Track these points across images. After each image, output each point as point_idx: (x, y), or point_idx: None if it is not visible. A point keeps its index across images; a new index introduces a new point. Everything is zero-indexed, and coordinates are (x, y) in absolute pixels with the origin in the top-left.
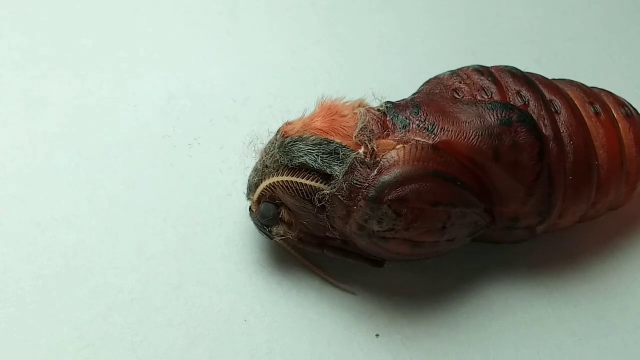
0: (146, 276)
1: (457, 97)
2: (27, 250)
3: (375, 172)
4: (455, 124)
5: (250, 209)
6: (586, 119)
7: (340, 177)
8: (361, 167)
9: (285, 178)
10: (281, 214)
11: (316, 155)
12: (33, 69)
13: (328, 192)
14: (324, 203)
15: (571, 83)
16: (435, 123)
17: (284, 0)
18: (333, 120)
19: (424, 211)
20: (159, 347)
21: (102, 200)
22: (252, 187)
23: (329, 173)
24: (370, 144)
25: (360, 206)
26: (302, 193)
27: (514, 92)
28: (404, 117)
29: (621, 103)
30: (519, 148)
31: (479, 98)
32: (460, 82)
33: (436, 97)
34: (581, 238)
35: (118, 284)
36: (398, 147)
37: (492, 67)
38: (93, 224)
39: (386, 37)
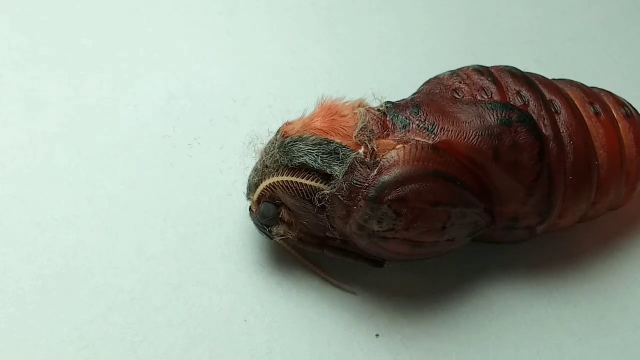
0: (146, 276)
1: (457, 97)
2: (27, 250)
3: (375, 172)
4: (455, 124)
5: (250, 209)
6: (586, 119)
7: (340, 177)
8: (361, 167)
9: (285, 178)
10: (281, 214)
11: (316, 155)
12: (33, 69)
13: (328, 192)
14: (324, 203)
15: (571, 83)
16: (435, 123)
17: (284, 0)
18: (333, 120)
19: (424, 211)
20: (159, 347)
21: (102, 200)
22: (252, 187)
23: (329, 173)
24: (370, 144)
25: (360, 206)
26: (302, 193)
27: (514, 92)
28: (404, 117)
29: (621, 103)
30: (519, 148)
31: (479, 98)
32: (460, 82)
33: (436, 97)
34: (581, 238)
35: (118, 284)
36: (398, 147)
37: (492, 67)
38: (93, 224)
39: (386, 37)
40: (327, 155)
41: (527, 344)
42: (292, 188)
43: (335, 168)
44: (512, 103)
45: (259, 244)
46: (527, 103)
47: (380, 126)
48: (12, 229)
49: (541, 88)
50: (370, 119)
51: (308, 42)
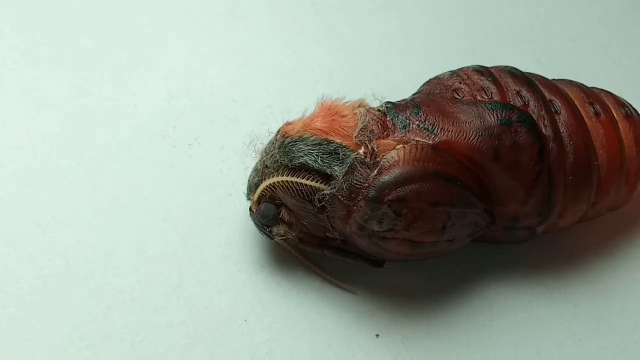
0: (146, 276)
1: (457, 97)
2: (27, 250)
3: (375, 172)
4: (455, 124)
5: (250, 209)
6: (586, 119)
7: (340, 177)
8: (361, 167)
9: (285, 178)
10: (281, 213)
11: (316, 155)
12: (33, 69)
13: (328, 192)
14: (323, 203)
15: (571, 83)
16: (435, 123)
17: (284, 0)
18: (333, 120)
19: (423, 211)
20: (159, 347)
21: (102, 200)
22: (252, 187)
23: (329, 173)
24: (370, 144)
25: (360, 206)
26: (302, 193)
27: (514, 92)
28: (403, 117)
29: (621, 103)
30: (519, 148)
31: (478, 98)
32: (460, 82)
33: (436, 97)
34: (581, 238)
35: (118, 284)
36: (398, 147)
37: (492, 67)
38: (93, 224)
39: (386, 37)
40: (327, 155)
41: (527, 344)
42: (292, 188)
43: (335, 168)
44: (512, 103)
45: (259, 244)
46: (527, 103)
47: (380, 126)
48: (12, 229)
49: (541, 88)
50: (370, 119)
51: (308, 42)
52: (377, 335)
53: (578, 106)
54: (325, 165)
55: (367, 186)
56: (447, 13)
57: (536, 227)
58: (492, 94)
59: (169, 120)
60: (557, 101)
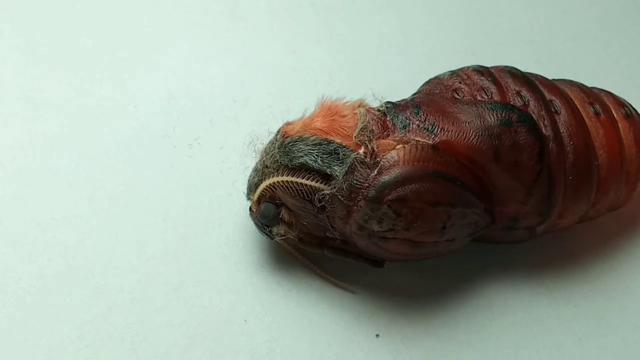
0: (146, 276)
1: (457, 97)
2: (27, 250)
3: (375, 172)
4: (455, 124)
5: (250, 208)
6: (586, 119)
7: (340, 177)
8: (361, 167)
9: (285, 178)
10: (281, 213)
11: (316, 155)
12: (33, 69)
13: (328, 192)
14: (323, 203)
15: (571, 83)
16: (435, 123)
17: (284, 0)
18: (333, 120)
19: (423, 211)
20: (159, 347)
21: (102, 200)
22: (252, 187)
23: (329, 173)
24: (370, 144)
25: (360, 206)
26: (302, 193)
27: (514, 92)
28: (403, 117)
29: (621, 103)
30: (519, 148)
31: (478, 98)
32: (460, 82)
33: (436, 97)
34: (581, 238)
35: (118, 284)
36: (398, 147)
37: (492, 67)
38: (93, 224)
39: (386, 37)
40: (327, 155)
41: (527, 343)
42: (292, 188)
43: (335, 168)
44: (512, 103)
45: (259, 244)
46: (526, 103)
47: (380, 126)
48: (12, 229)
49: (541, 88)
50: (370, 119)
51: (308, 42)
52: (377, 335)
53: (578, 106)
54: (325, 165)
55: (367, 186)
56: (447, 13)
57: (536, 227)
58: (492, 94)
59: (169, 120)
60: (557, 101)
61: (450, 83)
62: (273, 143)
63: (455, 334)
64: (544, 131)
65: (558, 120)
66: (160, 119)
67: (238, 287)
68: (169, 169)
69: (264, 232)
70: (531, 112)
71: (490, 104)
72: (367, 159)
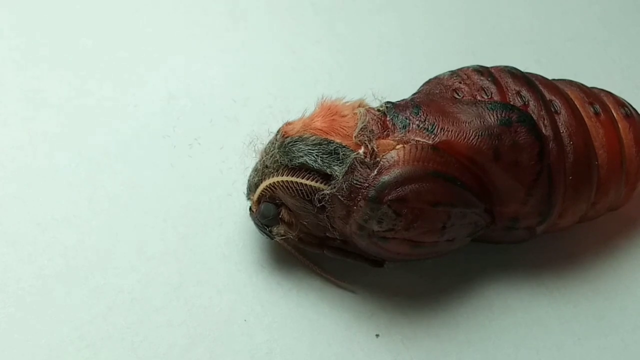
0: (146, 276)
1: (457, 97)
2: (27, 250)
3: (375, 172)
4: (455, 124)
5: (250, 208)
6: (586, 119)
7: (340, 177)
8: (361, 167)
9: (285, 178)
10: (281, 213)
11: (316, 155)
12: (33, 69)
13: (328, 192)
14: (323, 203)
15: (571, 83)
16: (435, 123)
17: (284, 0)
18: (333, 120)
19: (423, 211)
20: (159, 347)
21: (102, 200)
22: (252, 187)
23: (329, 173)
24: (370, 143)
25: (360, 206)
26: (302, 193)
27: (514, 92)
28: (403, 117)
29: (621, 103)
30: (519, 148)
31: (478, 98)
32: (460, 82)
33: (436, 97)
34: (581, 238)
35: (118, 284)
36: (398, 147)
37: (491, 67)
38: (93, 224)
39: (386, 37)
40: (327, 155)
41: (527, 343)
42: (292, 188)
43: (335, 168)
44: (511, 103)
45: (259, 244)
46: (526, 103)
47: (380, 126)
48: (12, 229)
49: (541, 88)
50: (370, 119)
51: (308, 42)
52: (377, 335)
53: (578, 106)
54: (325, 165)
55: (367, 186)
56: (447, 13)
57: (536, 227)
58: (492, 94)
59: (169, 120)
60: (557, 101)
61: (450, 83)
62: (273, 143)
63: (455, 334)
64: (544, 131)
65: (558, 120)
66: (160, 119)
67: (238, 287)
68: (169, 169)
69: (264, 232)
70: (531, 112)
71: (490, 104)
72: (367, 159)
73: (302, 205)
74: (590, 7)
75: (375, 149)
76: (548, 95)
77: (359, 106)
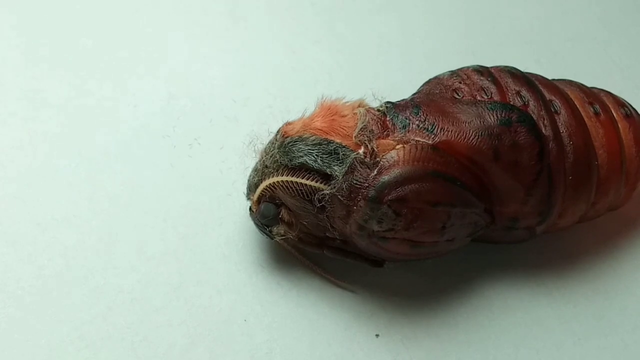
0: (146, 276)
1: (457, 97)
2: (27, 250)
3: (375, 172)
4: (454, 124)
5: (250, 208)
6: (586, 119)
7: (340, 177)
8: (361, 167)
9: (285, 178)
10: (281, 213)
11: (316, 155)
12: (33, 69)
13: (328, 192)
14: (323, 203)
15: (570, 83)
16: (435, 123)
17: (284, 0)
18: (333, 120)
19: (423, 211)
20: (159, 347)
21: (102, 200)
22: (252, 187)
23: (329, 173)
24: (370, 143)
25: (360, 206)
26: (302, 193)
27: (514, 92)
28: (403, 117)
29: (621, 103)
30: (519, 148)
31: (478, 98)
32: (460, 82)
33: (436, 97)
34: (581, 238)
35: (118, 284)
36: (398, 147)
37: (491, 67)
38: (93, 224)
39: (386, 37)
40: (326, 155)
41: (527, 343)
42: (291, 188)
43: (335, 168)
44: (511, 103)
45: (259, 244)
46: (526, 103)
47: (380, 126)
48: (12, 229)
49: (541, 88)
50: (370, 119)
51: (308, 42)
52: (377, 335)
53: (578, 106)
54: (325, 165)
55: (367, 186)
56: (447, 13)
57: (536, 227)
58: (492, 94)
59: (169, 120)
60: (557, 101)
61: (450, 83)
62: (273, 143)
63: (455, 334)
64: (543, 131)
65: (558, 120)
66: (160, 119)
67: (238, 287)
68: (169, 169)
69: (264, 232)
70: (531, 112)
71: (490, 104)
72: (367, 159)
73: (302, 205)
74: (590, 7)
75: (375, 149)
76: (548, 95)
77: (359, 106)
